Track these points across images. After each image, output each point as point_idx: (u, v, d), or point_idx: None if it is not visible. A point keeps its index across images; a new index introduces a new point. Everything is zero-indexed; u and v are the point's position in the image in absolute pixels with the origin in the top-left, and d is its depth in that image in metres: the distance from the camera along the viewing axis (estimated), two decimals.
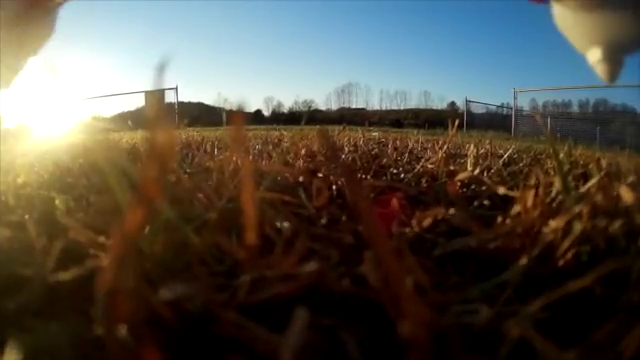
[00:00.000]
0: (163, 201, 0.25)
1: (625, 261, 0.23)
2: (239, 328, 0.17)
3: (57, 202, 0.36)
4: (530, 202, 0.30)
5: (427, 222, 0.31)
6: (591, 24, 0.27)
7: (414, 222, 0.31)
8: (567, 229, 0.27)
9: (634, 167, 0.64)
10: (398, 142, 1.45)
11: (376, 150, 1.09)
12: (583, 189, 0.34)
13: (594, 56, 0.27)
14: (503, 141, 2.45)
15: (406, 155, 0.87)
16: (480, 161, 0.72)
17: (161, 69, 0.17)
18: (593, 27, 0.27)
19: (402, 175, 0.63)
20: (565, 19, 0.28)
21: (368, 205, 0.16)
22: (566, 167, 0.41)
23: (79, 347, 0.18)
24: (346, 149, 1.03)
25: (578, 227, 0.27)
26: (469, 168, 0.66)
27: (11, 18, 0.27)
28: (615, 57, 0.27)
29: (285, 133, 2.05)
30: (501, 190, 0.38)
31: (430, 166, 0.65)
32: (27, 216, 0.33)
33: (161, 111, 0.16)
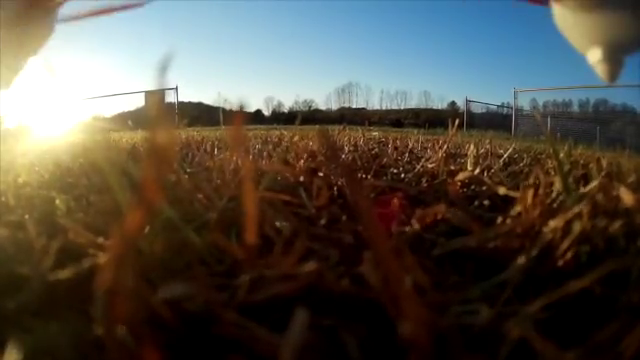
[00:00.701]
0: (163, 201, 0.25)
1: (625, 261, 0.23)
2: (239, 328, 0.17)
3: (57, 202, 0.36)
4: (530, 202, 0.30)
5: (427, 221, 0.31)
6: (591, 24, 0.27)
7: (414, 221, 0.31)
8: (567, 229, 0.27)
9: (634, 167, 0.64)
10: (398, 142, 1.45)
11: (376, 150, 1.09)
12: (583, 189, 0.34)
13: (594, 56, 0.27)
14: (503, 141, 2.45)
15: (406, 155, 0.87)
16: (480, 161, 0.72)
17: (162, 69, 0.17)
18: (593, 27, 0.27)
19: (402, 175, 0.63)
20: (565, 19, 0.28)
21: (368, 205, 0.16)
22: (566, 167, 0.41)
23: (78, 347, 0.18)
24: (346, 149, 1.03)
25: (578, 227, 0.27)
26: (469, 168, 0.66)
27: (11, 18, 0.27)
28: (615, 57, 0.27)
29: (285, 133, 2.05)
30: (501, 190, 0.38)
31: (430, 166, 0.65)
32: (27, 216, 0.33)
33: (161, 111, 0.16)
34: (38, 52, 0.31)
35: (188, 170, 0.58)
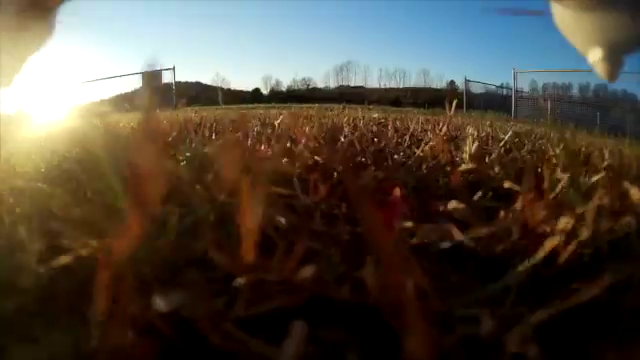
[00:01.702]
0: (161, 199, 0.25)
1: (630, 266, 0.23)
2: (235, 340, 0.17)
3: (53, 195, 0.36)
4: (534, 197, 0.30)
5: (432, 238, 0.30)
6: (591, 24, 0.27)
7: (416, 237, 0.30)
8: (571, 227, 0.27)
9: (636, 158, 0.64)
10: (398, 123, 1.45)
11: (375, 130, 1.09)
12: (588, 182, 0.34)
13: (595, 56, 0.27)
14: (503, 123, 2.44)
15: (407, 138, 0.86)
16: (482, 147, 0.71)
17: (158, 51, 0.16)
18: (593, 27, 0.27)
19: (403, 160, 0.62)
20: (565, 19, 0.28)
21: (369, 205, 0.15)
22: (571, 160, 0.40)
23: (72, 355, 0.17)
24: (346, 130, 1.02)
25: (583, 225, 0.26)
26: (471, 152, 0.64)
27: (11, 17, 0.27)
28: (615, 57, 0.27)
29: (284, 112, 2.03)
30: (506, 184, 0.38)
31: (431, 150, 0.64)
32: (21, 210, 0.32)
33: (155, 92, 0.16)
34: (39, 51, 0.30)
35: (187, 154, 0.58)
